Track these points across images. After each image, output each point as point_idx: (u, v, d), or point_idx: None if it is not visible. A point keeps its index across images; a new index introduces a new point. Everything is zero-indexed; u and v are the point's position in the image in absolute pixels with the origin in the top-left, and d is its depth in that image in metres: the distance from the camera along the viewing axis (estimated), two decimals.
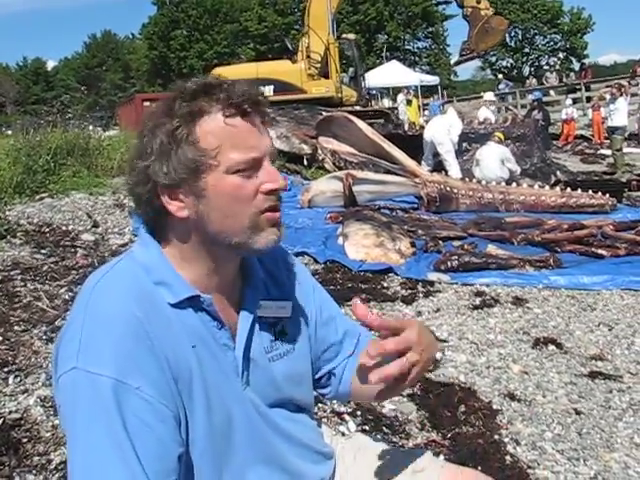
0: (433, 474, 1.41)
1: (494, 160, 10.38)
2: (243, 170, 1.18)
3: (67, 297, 4.53)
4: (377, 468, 1.45)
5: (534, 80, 32.11)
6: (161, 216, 1.22)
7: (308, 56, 15.10)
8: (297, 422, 1.38)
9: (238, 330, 1.28)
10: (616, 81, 17.99)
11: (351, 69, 17.37)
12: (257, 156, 1.20)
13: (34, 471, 2.53)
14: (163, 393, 1.12)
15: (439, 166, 11.18)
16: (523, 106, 24.61)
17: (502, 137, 11.02)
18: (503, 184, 8.98)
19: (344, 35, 17.83)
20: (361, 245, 5.83)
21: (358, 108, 15.12)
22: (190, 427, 1.17)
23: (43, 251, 5.53)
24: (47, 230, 6.20)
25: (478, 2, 14.63)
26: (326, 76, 15.28)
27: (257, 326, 1.32)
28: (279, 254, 1.45)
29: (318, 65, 15.19)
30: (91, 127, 12.09)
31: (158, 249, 1.24)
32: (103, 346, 1.09)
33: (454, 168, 11.10)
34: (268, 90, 14.94)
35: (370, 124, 13.29)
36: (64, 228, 6.37)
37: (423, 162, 11.45)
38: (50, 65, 72.09)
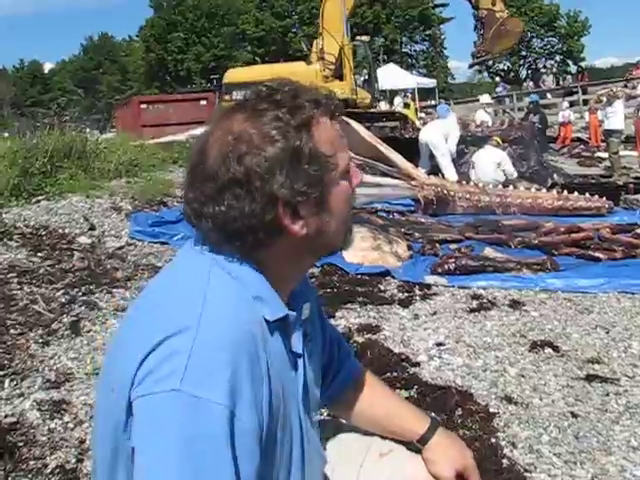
0: (400, 456, 1.43)
1: (490, 163, 10.38)
2: (348, 171, 1.17)
3: (63, 300, 4.54)
4: (346, 455, 1.47)
5: (531, 83, 32.25)
6: (273, 239, 1.13)
7: (322, 58, 15.04)
8: (316, 428, 1.37)
9: (293, 340, 1.22)
10: (609, 88, 18.03)
11: (365, 71, 17.30)
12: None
13: (30, 475, 2.53)
14: (259, 426, 1.04)
15: (436, 169, 11.17)
16: (520, 109, 24.67)
17: (500, 141, 11.02)
18: (500, 187, 8.98)
19: (358, 37, 17.79)
20: (358, 248, 5.82)
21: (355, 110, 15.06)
22: (267, 459, 1.09)
23: (40, 254, 5.52)
24: (44, 233, 6.19)
25: (493, 4, 14.62)
26: (340, 78, 15.23)
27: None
28: None
29: (332, 67, 15.13)
30: (88, 130, 12.08)
31: (248, 262, 1.14)
32: (218, 371, 0.99)
33: (450, 171, 11.10)
34: None
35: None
36: (61, 231, 6.36)
37: (420, 165, 11.45)
38: (47, 67, 72.18)
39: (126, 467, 1.06)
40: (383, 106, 24.56)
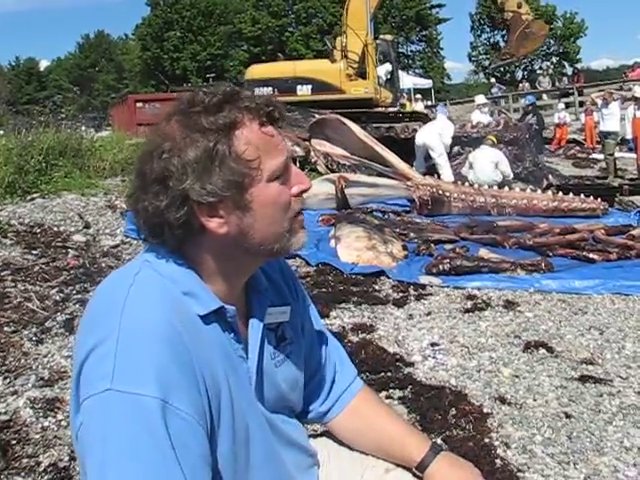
0: (407, 475, 1.41)
1: (488, 163, 10.39)
2: (280, 176, 1.18)
3: (58, 298, 4.53)
4: (350, 468, 1.46)
5: (527, 84, 32.22)
6: (192, 236, 1.17)
7: (345, 56, 14.95)
8: (292, 425, 1.38)
9: (250, 340, 1.27)
10: (607, 89, 18.08)
11: (385, 70, 17.19)
12: (287, 160, 1.20)
13: (22, 473, 2.52)
14: (199, 412, 1.08)
15: (432, 170, 11.18)
16: (516, 110, 24.68)
17: (495, 140, 11.04)
18: (495, 188, 9.00)
19: (382, 36, 17.68)
20: (353, 248, 5.83)
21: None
22: (217, 445, 1.14)
23: (34, 252, 5.51)
24: (38, 231, 6.18)
25: (519, 7, 14.57)
26: (362, 76, 15.14)
27: (264, 334, 1.31)
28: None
29: (355, 65, 15.03)
30: (83, 128, 12.07)
31: (180, 260, 1.19)
32: (144, 364, 1.03)
33: (446, 171, 11.11)
34: (306, 89, 14.81)
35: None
36: (55, 229, 6.35)
37: (415, 166, 11.46)
38: (43, 65, 72.01)
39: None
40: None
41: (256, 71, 15.93)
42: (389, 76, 16.87)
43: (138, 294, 1.11)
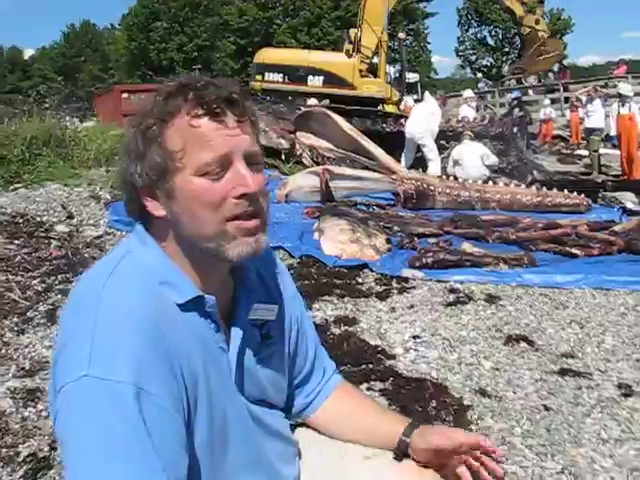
0: (384, 462, 1.42)
1: (476, 158, 10.43)
2: (211, 172, 1.15)
3: (39, 288, 4.51)
4: (327, 458, 1.47)
5: (513, 79, 32.32)
6: (145, 215, 1.22)
7: (358, 50, 14.74)
8: (274, 416, 1.40)
9: (232, 334, 1.28)
10: (589, 87, 18.20)
11: (393, 69, 16.98)
12: (224, 157, 1.16)
13: (1, 463, 2.51)
14: (176, 399, 1.09)
15: (418, 163, 11.20)
16: (502, 105, 24.76)
17: (472, 135, 11.08)
18: (480, 182, 9.03)
19: (400, 34, 17.53)
20: (337, 240, 5.83)
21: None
22: (194, 432, 1.15)
23: (16, 242, 5.48)
24: (21, 221, 6.15)
25: (537, 23, 14.52)
26: (373, 73, 14.94)
27: (248, 329, 1.31)
28: (267, 256, 1.44)
29: (367, 61, 14.84)
30: (68, 118, 12.00)
31: (159, 248, 1.21)
32: (119, 351, 1.04)
33: (435, 166, 11.13)
34: (317, 81, 14.56)
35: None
36: (38, 219, 6.32)
37: (403, 157, 11.47)
38: (27, 54, 71.43)
39: None
40: None
41: (268, 55, 15.51)
42: (398, 74, 16.76)
43: (116, 284, 1.13)
